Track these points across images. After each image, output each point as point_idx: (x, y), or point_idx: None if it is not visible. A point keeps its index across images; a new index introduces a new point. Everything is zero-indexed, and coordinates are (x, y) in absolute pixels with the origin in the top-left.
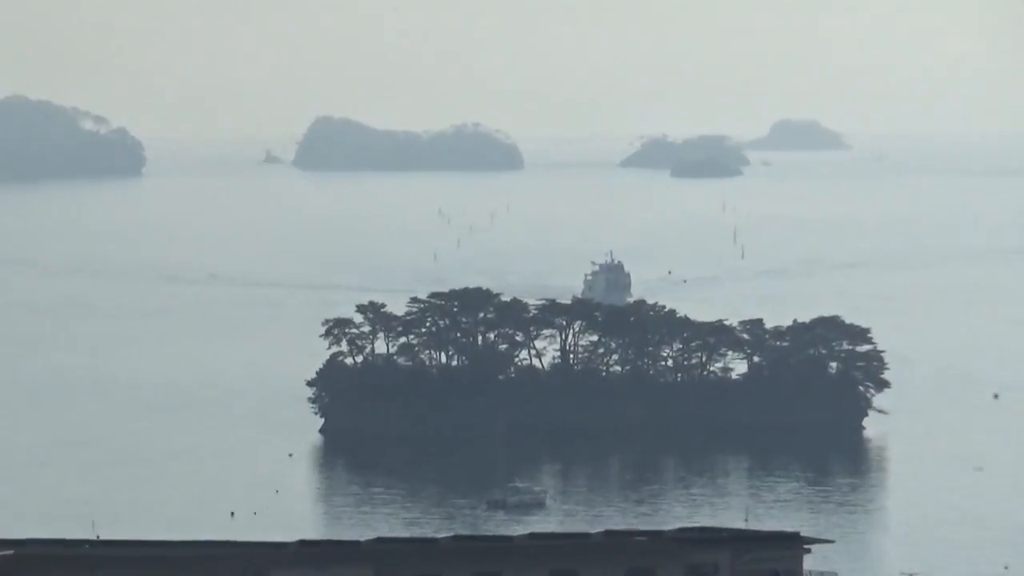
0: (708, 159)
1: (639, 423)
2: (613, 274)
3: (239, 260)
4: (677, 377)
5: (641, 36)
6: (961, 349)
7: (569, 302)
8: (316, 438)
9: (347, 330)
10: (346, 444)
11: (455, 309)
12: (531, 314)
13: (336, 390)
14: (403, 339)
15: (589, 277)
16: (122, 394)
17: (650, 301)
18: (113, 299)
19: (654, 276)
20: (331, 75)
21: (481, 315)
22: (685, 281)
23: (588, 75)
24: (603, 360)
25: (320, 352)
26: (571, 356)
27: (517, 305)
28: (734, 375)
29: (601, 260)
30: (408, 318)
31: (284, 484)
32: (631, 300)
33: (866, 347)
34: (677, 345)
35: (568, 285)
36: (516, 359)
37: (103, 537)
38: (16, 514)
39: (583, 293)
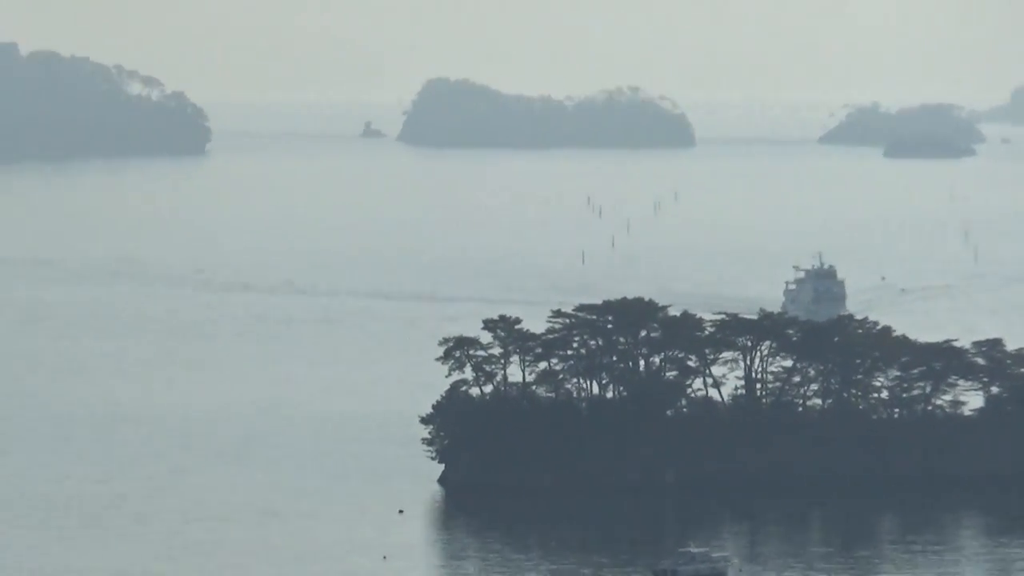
0: (931, 134)
1: (846, 471)
2: (823, 283)
3: (326, 263)
4: (893, 413)
5: None
6: None
7: (755, 316)
8: (433, 490)
9: (472, 352)
10: (471, 498)
11: (609, 326)
12: (707, 332)
13: (458, 429)
14: (543, 364)
15: (792, 286)
16: (181, 434)
17: (859, 316)
18: (162, 311)
19: (865, 284)
20: (447, 27)
21: (643, 333)
22: (903, 290)
23: (775, 27)
24: (799, 391)
25: (437, 381)
26: (758, 386)
27: (689, 321)
28: (967, 410)
29: (807, 265)
30: (550, 337)
31: (393, 549)
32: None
33: None
34: (894, 372)
35: (754, 295)
36: (688, 390)
37: None
38: None
39: (784, 307)
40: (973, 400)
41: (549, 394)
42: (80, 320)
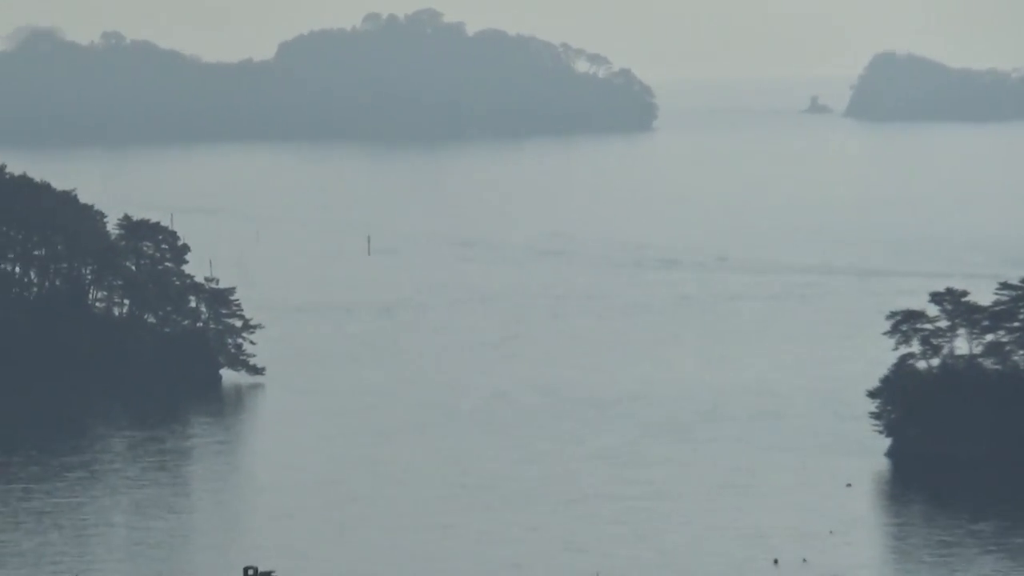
0: None
1: None
2: None
3: (759, 238)
4: None
5: None
6: None
7: None
8: (881, 463)
9: (918, 326)
10: (920, 470)
11: None
12: None
13: (906, 402)
14: (990, 336)
15: None
16: (624, 413)
17: None
18: (597, 290)
19: None
20: (894, 0)
21: None
22: None
23: None
24: None
25: (884, 355)
26: None
27: None
28: None
29: None
30: (997, 309)
31: (841, 523)
32: None
33: None
34: None
35: None
36: None
37: None
38: None
39: None
40: None
41: (996, 366)
42: (516, 299)
